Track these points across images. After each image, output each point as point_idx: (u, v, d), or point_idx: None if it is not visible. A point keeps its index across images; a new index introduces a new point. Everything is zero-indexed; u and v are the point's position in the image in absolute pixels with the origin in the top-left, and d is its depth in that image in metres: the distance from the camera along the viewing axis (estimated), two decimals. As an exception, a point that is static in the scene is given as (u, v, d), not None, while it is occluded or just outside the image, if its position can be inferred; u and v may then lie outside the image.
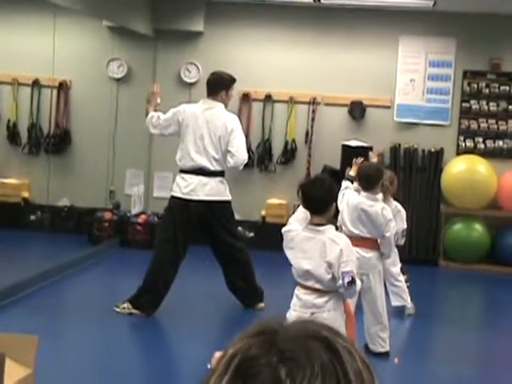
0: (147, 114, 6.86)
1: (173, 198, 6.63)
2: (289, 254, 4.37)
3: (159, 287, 6.51)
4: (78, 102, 10.29)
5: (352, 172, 5.98)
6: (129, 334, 6.40)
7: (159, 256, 6.59)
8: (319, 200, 4.25)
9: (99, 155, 10.11)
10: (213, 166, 6.52)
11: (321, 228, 4.25)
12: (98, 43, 10.23)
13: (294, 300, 4.36)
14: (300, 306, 4.27)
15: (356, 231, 5.61)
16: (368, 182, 5.71)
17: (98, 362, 5.56)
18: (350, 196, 5.75)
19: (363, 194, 5.71)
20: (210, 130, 6.56)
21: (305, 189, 4.33)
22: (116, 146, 10.12)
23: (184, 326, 6.42)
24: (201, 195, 6.51)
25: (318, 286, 4.24)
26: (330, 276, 4.18)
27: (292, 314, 4.29)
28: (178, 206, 6.55)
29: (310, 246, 4.25)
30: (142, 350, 5.99)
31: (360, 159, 6.06)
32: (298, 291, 4.35)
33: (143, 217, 9.62)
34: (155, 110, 6.82)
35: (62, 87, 10.20)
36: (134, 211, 9.61)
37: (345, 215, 5.70)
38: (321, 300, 4.25)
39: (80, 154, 10.29)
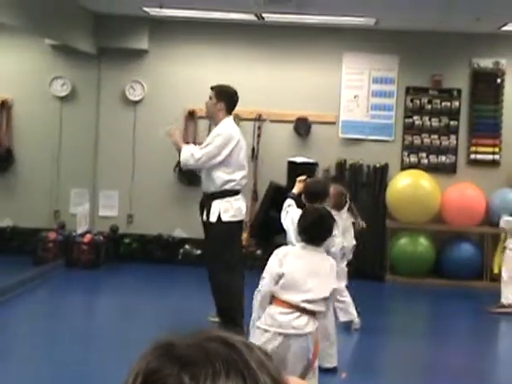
0: (179, 151, 6.49)
1: (234, 222, 6.35)
2: (283, 266, 4.36)
3: (241, 315, 6.24)
4: (21, 121, 10.15)
5: (295, 190, 6.00)
6: (73, 357, 6.29)
7: (230, 285, 6.29)
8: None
9: (43, 174, 9.98)
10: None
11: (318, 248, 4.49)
12: (40, 61, 10.12)
13: (267, 320, 4.26)
14: (277, 327, 4.22)
15: None
16: (316, 198, 5.74)
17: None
18: (295, 213, 5.77)
19: None
20: (245, 148, 6.60)
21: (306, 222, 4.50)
22: (60, 164, 10.00)
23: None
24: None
25: (309, 305, 4.27)
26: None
27: (264, 335, 4.21)
28: (239, 229, 6.45)
29: (314, 262, 4.40)
30: (87, 370, 5.90)
31: (303, 177, 6.07)
32: (272, 310, 4.28)
33: (89, 236, 9.51)
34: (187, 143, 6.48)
35: (4, 105, 10.06)
36: (80, 231, 9.50)
37: (291, 233, 5.73)
38: (301, 322, 4.24)
39: (23, 173, 10.14)
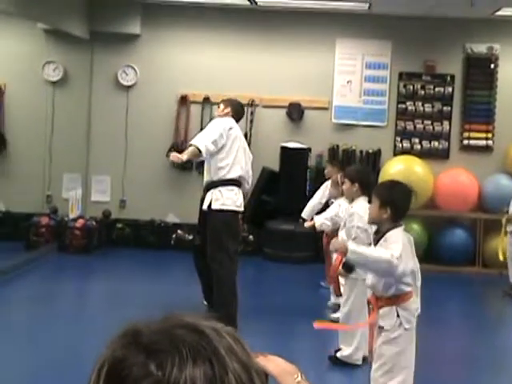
0: (189, 154, 6.38)
1: (224, 211, 6.36)
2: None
3: (235, 306, 6.35)
4: (14, 106, 10.11)
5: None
6: (65, 341, 6.30)
7: (229, 277, 6.35)
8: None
9: (36, 159, 9.95)
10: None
11: None
12: (32, 46, 10.07)
13: (416, 315, 4.28)
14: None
15: None
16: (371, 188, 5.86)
17: (31, 369, 5.47)
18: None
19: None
20: (245, 144, 6.71)
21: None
22: (53, 149, 9.97)
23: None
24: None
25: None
26: None
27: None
28: (236, 220, 6.49)
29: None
30: (79, 354, 5.90)
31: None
32: (416, 302, 4.28)
33: (81, 221, 9.49)
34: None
35: (-4, 90, 10.02)
36: (72, 216, 9.48)
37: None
38: None
39: (16, 157, 10.11)
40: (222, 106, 6.71)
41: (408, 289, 4.23)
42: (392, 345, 4.22)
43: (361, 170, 6.14)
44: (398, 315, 4.21)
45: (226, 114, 6.58)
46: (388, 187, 4.47)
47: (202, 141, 6.30)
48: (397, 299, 4.22)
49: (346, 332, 5.75)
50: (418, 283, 4.33)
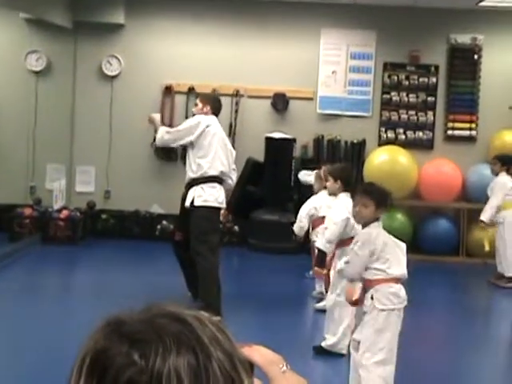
0: (155, 132, 6.71)
1: (206, 208, 6.42)
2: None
3: (219, 297, 6.41)
4: (-4, 96, 10.04)
5: None
6: (50, 332, 6.28)
7: (212, 269, 6.44)
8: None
9: (19, 149, 9.89)
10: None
11: None
12: (15, 35, 10.00)
13: (392, 298, 4.43)
14: (400, 302, 4.47)
15: None
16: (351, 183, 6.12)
17: (15, 361, 5.45)
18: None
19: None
20: (225, 140, 6.65)
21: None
22: (36, 140, 9.91)
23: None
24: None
25: None
26: None
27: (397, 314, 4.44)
28: (218, 216, 6.54)
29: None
30: (63, 346, 5.89)
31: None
32: (395, 288, 4.44)
33: (65, 212, 9.45)
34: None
35: (-21, 80, 9.94)
36: (56, 207, 9.44)
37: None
38: None
39: (-1, 148, 10.05)
40: (199, 103, 6.65)
41: (376, 276, 4.44)
42: (368, 325, 4.42)
43: (343, 169, 6.41)
44: (372, 297, 4.43)
45: (206, 113, 6.56)
46: (378, 189, 4.77)
47: (163, 131, 6.55)
48: (370, 282, 4.47)
49: (332, 321, 5.77)
50: (395, 271, 4.48)
